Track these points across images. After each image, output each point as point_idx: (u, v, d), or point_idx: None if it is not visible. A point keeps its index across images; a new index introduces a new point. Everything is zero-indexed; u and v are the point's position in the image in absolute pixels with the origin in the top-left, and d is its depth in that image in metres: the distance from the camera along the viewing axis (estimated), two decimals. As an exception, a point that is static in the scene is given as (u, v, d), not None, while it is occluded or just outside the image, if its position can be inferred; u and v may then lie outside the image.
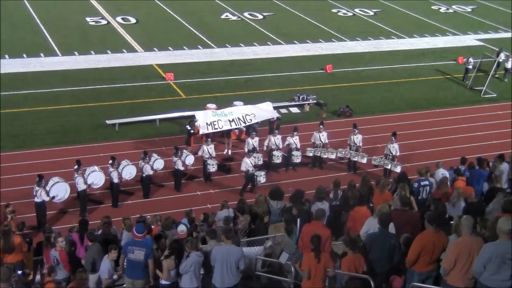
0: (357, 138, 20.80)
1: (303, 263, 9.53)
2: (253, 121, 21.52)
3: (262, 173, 19.40)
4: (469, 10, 45.24)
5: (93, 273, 11.07)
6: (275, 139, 20.52)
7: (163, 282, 10.30)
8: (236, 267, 9.75)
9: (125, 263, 10.59)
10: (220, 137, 22.29)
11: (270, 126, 22.15)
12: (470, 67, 30.18)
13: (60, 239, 11.51)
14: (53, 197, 16.89)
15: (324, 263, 9.32)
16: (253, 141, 20.25)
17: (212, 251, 9.89)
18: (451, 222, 10.35)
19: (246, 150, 20.23)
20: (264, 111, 21.98)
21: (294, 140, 20.66)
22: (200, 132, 20.73)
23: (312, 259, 9.32)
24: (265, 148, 20.70)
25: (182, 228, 11.71)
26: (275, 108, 22.93)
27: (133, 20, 36.64)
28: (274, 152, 20.37)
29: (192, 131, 21.35)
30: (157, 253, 10.78)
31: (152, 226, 13.51)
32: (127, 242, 10.88)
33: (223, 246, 9.89)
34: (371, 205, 13.39)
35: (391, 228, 10.22)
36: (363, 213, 12.21)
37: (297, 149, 20.64)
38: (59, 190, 16.98)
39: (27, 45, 30.91)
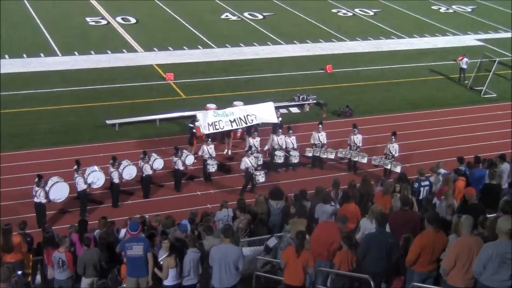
0: (357, 138, 20.79)
1: (284, 253, 9.89)
2: (254, 122, 21.46)
3: (262, 172, 19.37)
4: (469, 10, 45.25)
5: (85, 277, 11.08)
6: (278, 139, 20.51)
7: (166, 283, 10.24)
8: (235, 267, 9.74)
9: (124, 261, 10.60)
10: (220, 137, 22.30)
11: (273, 126, 22.02)
12: (465, 67, 30.14)
13: (66, 239, 11.56)
14: (53, 199, 16.91)
15: (303, 260, 9.53)
16: (254, 141, 20.22)
17: (211, 251, 9.88)
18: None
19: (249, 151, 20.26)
20: (265, 113, 21.79)
21: (292, 140, 20.64)
22: (202, 132, 20.71)
23: (292, 252, 9.61)
24: (266, 147, 20.67)
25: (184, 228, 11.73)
26: (275, 108, 22.91)
27: (133, 20, 36.66)
28: (276, 152, 20.34)
29: (194, 131, 21.31)
30: (154, 251, 10.77)
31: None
32: (123, 240, 10.86)
33: (221, 245, 9.87)
34: (371, 205, 13.37)
35: (386, 227, 10.26)
36: (351, 210, 12.26)
37: (294, 149, 20.61)
38: (59, 191, 16.99)
39: (27, 45, 30.94)
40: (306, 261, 9.55)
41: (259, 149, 20.28)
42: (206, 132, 20.51)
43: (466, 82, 30.01)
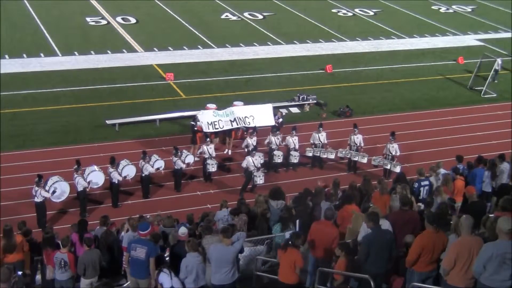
0: (357, 138, 20.78)
1: (278, 252, 10.13)
2: (251, 125, 21.50)
3: (261, 174, 19.33)
4: (469, 10, 45.24)
5: (84, 278, 11.07)
6: (275, 139, 20.50)
7: None
8: (233, 264, 9.75)
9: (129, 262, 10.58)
10: (222, 137, 22.29)
11: (272, 125, 21.97)
12: (498, 68, 30.06)
13: (69, 240, 11.56)
14: (54, 192, 16.87)
15: (290, 258, 9.66)
16: (252, 141, 20.23)
17: (209, 249, 9.91)
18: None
19: (245, 150, 20.24)
20: (263, 116, 21.79)
21: (294, 140, 20.62)
22: (204, 130, 20.74)
23: (281, 251, 9.88)
24: (267, 147, 20.67)
25: (183, 231, 11.59)
26: (275, 108, 22.90)
27: (133, 20, 36.65)
28: (275, 152, 20.34)
29: (195, 128, 21.31)
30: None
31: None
32: (131, 240, 10.86)
33: (219, 245, 9.89)
34: (371, 205, 13.37)
35: (387, 225, 10.26)
36: (352, 212, 12.24)
37: (295, 149, 20.59)
38: (59, 187, 17.02)
39: (27, 45, 30.93)
40: (293, 260, 9.63)
41: (257, 149, 20.21)
42: (206, 130, 20.55)
43: (496, 82, 29.74)
